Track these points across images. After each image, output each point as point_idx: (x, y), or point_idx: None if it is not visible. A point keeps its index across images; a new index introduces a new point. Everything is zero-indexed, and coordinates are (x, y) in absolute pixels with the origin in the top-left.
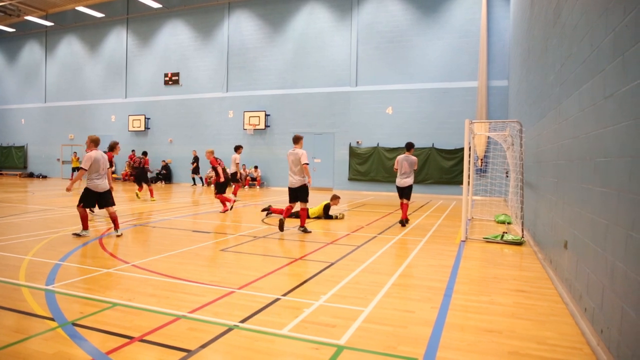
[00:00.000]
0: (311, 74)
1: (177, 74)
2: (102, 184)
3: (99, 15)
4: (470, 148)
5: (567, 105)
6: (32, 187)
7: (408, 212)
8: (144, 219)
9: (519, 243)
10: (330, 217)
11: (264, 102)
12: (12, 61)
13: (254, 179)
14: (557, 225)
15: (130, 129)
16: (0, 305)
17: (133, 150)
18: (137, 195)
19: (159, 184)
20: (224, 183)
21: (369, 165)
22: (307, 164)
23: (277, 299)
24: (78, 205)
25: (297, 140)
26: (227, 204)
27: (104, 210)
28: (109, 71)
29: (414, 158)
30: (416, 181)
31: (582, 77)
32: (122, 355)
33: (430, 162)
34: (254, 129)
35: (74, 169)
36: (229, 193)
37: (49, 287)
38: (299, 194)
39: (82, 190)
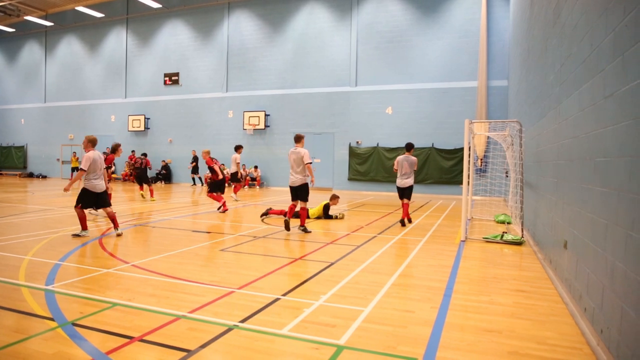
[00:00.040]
0: (311, 74)
1: (176, 74)
2: (99, 185)
3: (98, 15)
4: (470, 148)
5: (567, 105)
6: (31, 187)
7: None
8: (144, 219)
9: (518, 243)
10: (330, 217)
11: (264, 102)
12: (12, 61)
13: (253, 179)
14: (557, 225)
15: (130, 129)
16: (0, 305)
17: (133, 151)
18: (142, 196)
19: (158, 184)
20: (221, 182)
21: (369, 165)
22: (310, 163)
23: (277, 299)
24: (76, 206)
25: (298, 139)
26: (218, 203)
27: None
28: (109, 71)
29: (414, 158)
30: (416, 181)
31: (582, 77)
32: (122, 355)
33: (430, 162)
34: (254, 129)
35: (73, 169)
36: (228, 193)
37: (49, 287)
38: (299, 192)
39: (79, 190)
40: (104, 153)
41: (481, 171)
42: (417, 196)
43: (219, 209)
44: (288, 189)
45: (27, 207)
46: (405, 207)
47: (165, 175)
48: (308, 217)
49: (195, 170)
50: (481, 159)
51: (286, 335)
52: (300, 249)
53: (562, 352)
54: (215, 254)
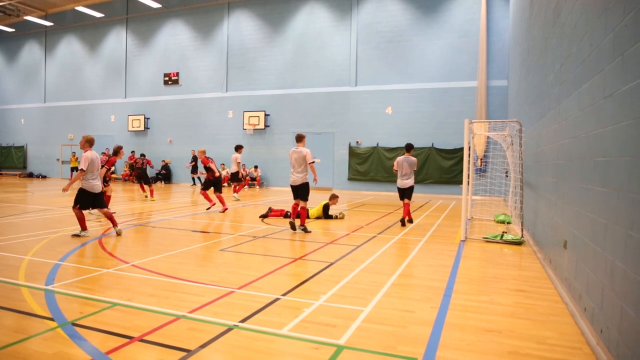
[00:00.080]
0: (311, 74)
1: (176, 74)
2: (97, 185)
3: (98, 15)
4: (469, 148)
5: (567, 105)
6: (31, 187)
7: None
8: (144, 219)
9: (518, 243)
10: (330, 217)
11: (264, 102)
12: (12, 61)
13: (253, 179)
14: (556, 224)
15: (130, 129)
16: (0, 305)
17: (133, 152)
18: (146, 197)
19: (158, 184)
20: (217, 180)
21: (369, 165)
22: (313, 162)
23: (277, 299)
24: (74, 207)
25: (300, 138)
26: (209, 203)
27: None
28: (109, 71)
29: (414, 159)
30: (416, 181)
31: (582, 76)
32: (121, 355)
33: (429, 162)
34: (254, 129)
35: (72, 169)
36: (229, 194)
37: (49, 287)
38: (299, 192)
39: (76, 191)
40: (103, 153)
41: (481, 171)
42: (417, 196)
43: (208, 208)
44: (288, 189)
45: (27, 207)
46: (406, 207)
47: (165, 175)
48: (308, 217)
49: (194, 170)
50: (481, 159)
51: (286, 335)
52: (300, 248)
53: (562, 351)
54: (215, 254)
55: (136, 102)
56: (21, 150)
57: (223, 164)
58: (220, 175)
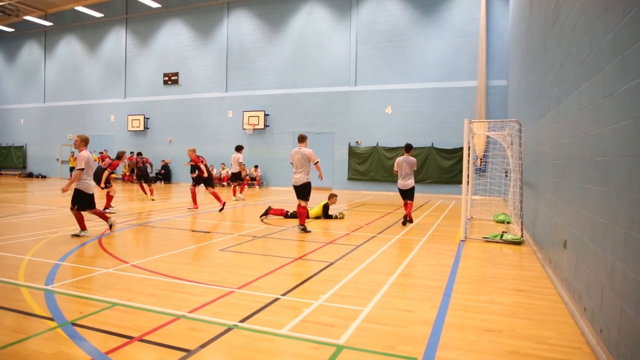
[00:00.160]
0: (310, 74)
1: (176, 74)
2: (92, 185)
3: (98, 15)
4: (469, 147)
5: (567, 104)
6: (31, 187)
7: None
8: (144, 219)
9: (518, 242)
10: (330, 217)
11: (263, 101)
12: (11, 61)
13: (253, 179)
14: (556, 224)
15: (130, 128)
16: (0, 305)
17: (132, 152)
18: (147, 195)
19: (158, 183)
20: (207, 179)
21: (369, 165)
22: (318, 161)
23: (277, 299)
24: (72, 208)
25: (302, 139)
26: (193, 203)
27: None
28: (108, 71)
29: (413, 159)
30: (416, 181)
31: (582, 76)
32: (121, 355)
33: (429, 162)
34: (253, 129)
35: (71, 169)
36: (229, 194)
37: (49, 287)
38: (300, 191)
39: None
40: (101, 154)
41: (481, 171)
42: (417, 196)
43: (189, 208)
44: (287, 189)
45: (27, 207)
46: (408, 207)
47: (165, 175)
48: (308, 217)
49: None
50: (481, 159)
51: (286, 335)
52: (300, 248)
53: (562, 351)
54: (215, 254)
55: (136, 102)
56: (21, 150)
57: (223, 164)
58: (211, 175)
